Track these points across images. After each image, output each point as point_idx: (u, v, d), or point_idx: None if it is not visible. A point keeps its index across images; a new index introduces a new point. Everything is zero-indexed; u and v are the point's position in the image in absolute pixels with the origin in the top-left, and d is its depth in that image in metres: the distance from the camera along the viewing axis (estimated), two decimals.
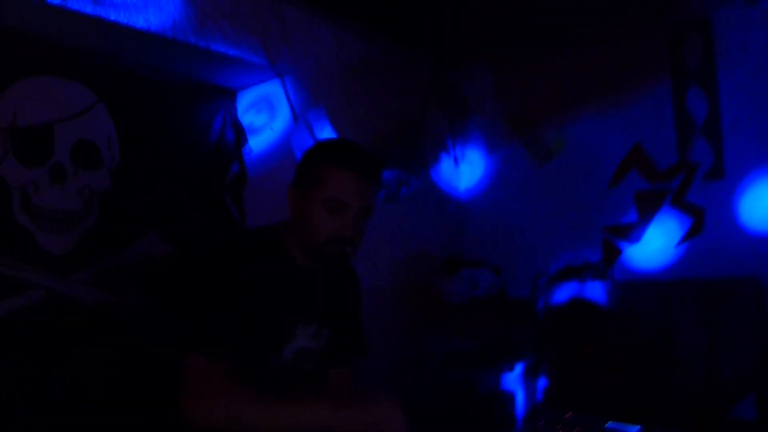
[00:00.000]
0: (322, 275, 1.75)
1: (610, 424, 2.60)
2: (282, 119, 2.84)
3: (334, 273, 1.81)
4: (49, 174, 2.22)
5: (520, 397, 3.27)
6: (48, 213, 2.20)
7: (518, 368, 3.22)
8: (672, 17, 2.94)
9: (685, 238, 2.91)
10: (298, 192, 1.67)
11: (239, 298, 1.56)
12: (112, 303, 2.32)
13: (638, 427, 2.51)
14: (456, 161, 3.73)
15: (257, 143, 2.86)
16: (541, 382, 3.25)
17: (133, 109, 2.48)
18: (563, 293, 3.17)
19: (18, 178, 2.14)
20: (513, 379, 3.28)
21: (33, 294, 2.14)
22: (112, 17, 2.14)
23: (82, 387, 2.19)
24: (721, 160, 2.85)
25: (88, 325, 2.25)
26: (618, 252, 3.08)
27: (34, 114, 2.20)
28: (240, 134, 2.81)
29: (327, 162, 1.62)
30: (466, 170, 3.74)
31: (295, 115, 2.80)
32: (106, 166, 2.39)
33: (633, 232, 3.03)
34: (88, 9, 2.07)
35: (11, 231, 2.11)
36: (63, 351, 2.18)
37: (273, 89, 2.82)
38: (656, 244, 2.98)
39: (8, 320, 2.07)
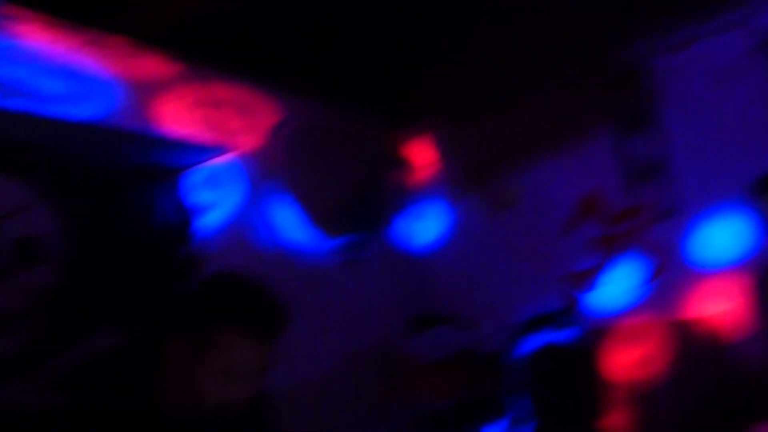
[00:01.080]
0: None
1: None
2: (236, 195, 2.83)
3: None
4: None
5: None
6: None
7: (500, 426, 3.13)
8: (608, 67, 3.01)
9: (648, 278, 2.90)
10: (182, 347, 1.43)
11: None
12: (68, 406, 2.22)
13: None
14: (415, 218, 3.72)
15: (212, 221, 2.82)
16: None
17: (77, 198, 2.43)
18: (533, 344, 3.12)
19: None
20: None
21: None
22: (45, 112, 2.13)
23: None
24: (671, 200, 2.88)
25: None
26: (575, 299, 3.06)
27: None
28: (185, 216, 2.77)
29: (225, 326, 1.40)
30: (426, 226, 3.73)
31: (249, 190, 2.79)
32: (51, 260, 2.34)
33: (590, 278, 3.03)
34: (19, 106, 2.06)
35: None
36: None
37: (224, 165, 2.81)
38: (619, 287, 2.97)
39: None
